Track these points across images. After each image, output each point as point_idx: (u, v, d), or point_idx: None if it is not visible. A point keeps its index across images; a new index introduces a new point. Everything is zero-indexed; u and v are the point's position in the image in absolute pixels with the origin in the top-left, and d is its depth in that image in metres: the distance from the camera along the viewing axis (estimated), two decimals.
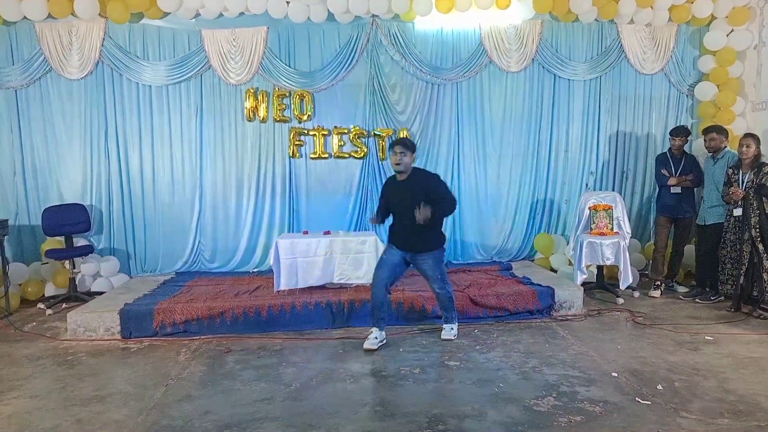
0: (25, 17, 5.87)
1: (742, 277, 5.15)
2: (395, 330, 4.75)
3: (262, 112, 6.42)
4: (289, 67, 6.40)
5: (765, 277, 4.99)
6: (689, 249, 6.12)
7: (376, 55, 6.48)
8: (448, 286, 4.50)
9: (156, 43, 6.28)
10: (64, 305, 5.74)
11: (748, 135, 5.31)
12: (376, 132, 6.54)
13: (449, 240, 6.77)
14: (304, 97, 6.44)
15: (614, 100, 6.80)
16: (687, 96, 6.86)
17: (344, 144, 6.58)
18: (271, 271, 5.55)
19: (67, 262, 5.89)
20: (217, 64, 6.28)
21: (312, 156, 6.55)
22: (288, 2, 6.00)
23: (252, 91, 6.38)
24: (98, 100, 6.26)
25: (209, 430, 3.09)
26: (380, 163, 6.58)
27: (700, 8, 6.39)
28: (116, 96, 6.29)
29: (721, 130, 5.68)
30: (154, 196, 6.47)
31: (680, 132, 5.92)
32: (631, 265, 5.69)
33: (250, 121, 6.45)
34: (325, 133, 6.54)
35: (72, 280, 5.87)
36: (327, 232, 5.71)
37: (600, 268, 5.87)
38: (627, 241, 5.71)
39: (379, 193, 4.72)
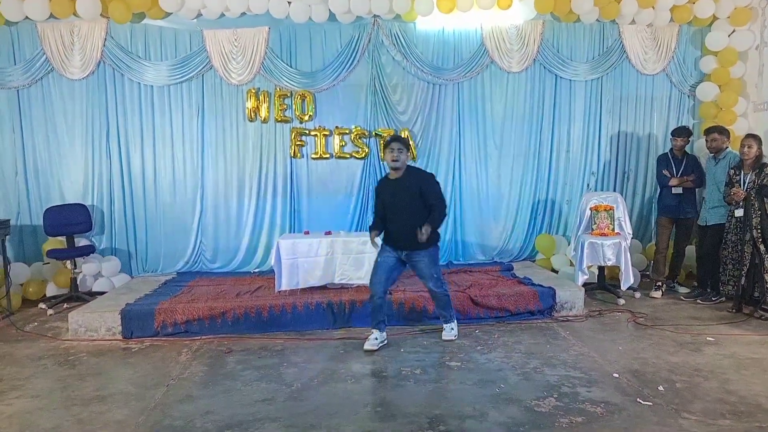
0: (27, 17, 5.87)
1: (743, 278, 5.14)
2: (396, 330, 4.75)
3: (263, 113, 6.42)
4: (291, 67, 6.41)
5: (766, 277, 4.98)
6: (690, 250, 6.11)
7: (378, 55, 6.49)
8: (444, 285, 4.48)
9: (157, 43, 6.28)
10: (65, 305, 5.75)
11: (749, 135, 5.31)
12: (377, 132, 6.54)
13: (450, 240, 6.81)
14: (306, 97, 6.44)
15: (615, 100, 6.80)
16: (688, 96, 6.85)
17: (345, 144, 6.58)
18: (272, 271, 5.55)
19: (68, 262, 5.90)
20: (219, 65, 6.29)
21: (313, 156, 6.55)
22: (289, 2, 6.00)
23: (253, 91, 6.39)
24: (100, 100, 6.27)
25: (210, 430, 3.10)
26: (381, 163, 6.58)
27: (701, 8, 6.38)
28: (118, 96, 6.30)
29: (723, 131, 5.68)
30: (156, 196, 6.48)
31: (682, 132, 5.91)
32: (632, 265, 5.69)
33: (251, 121, 6.46)
34: (327, 133, 6.54)
35: (73, 280, 5.88)
36: (328, 233, 5.71)
37: (601, 268, 5.86)
38: (628, 241, 5.70)
39: (374, 197, 4.65)
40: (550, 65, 6.63)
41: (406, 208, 4.17)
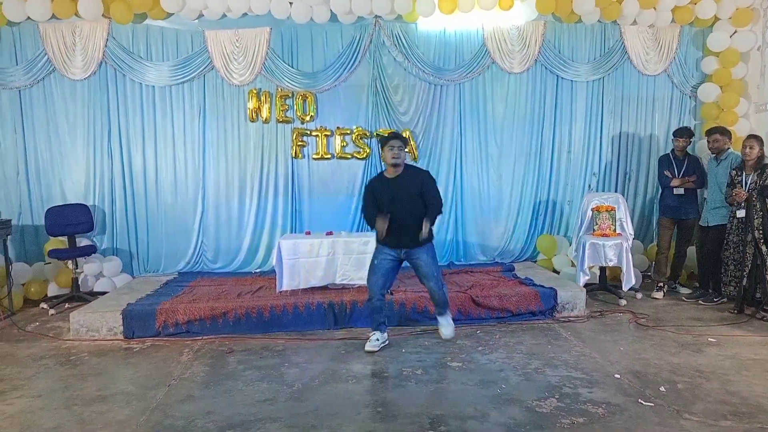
0: (28, 18, 5.87)
1: (745, 279, 5.14)
2: (397, 331, 4.75)
3: (264, 113, 6.42)
4: (292, 67, 6.41)
5: None
6: (692, 250, 6.11)
7: (379, 56, 6.49)
8: (444, 286, 4.45)
9: (159, 43, 6.29)
10: (66, 305, 5.75)
11: (751, 136, 5.31)
12: (378, 132, 6.54)
13: (452, 241, 6.83)
14: (307, 97, 6.44)
15: (617, 101, 6.79)
16: (690, 97, 6.85)
17: (347, 145, 6.58)
18: (273, 271, 5.55)
19: (70, 262, 5.91)
20: (220, 65, 6.29)
21: (314, 156, 6.55)
22: (291, 3, 6.00)
23: (255, 91, 6.39)
24: (101, 100, 6.27)
25: (211, 430, 3.10)
26: (383, 164, 6.56)
27: (703, 9, 6.38)
28: (119, 96, 6.30)
29: (725, 132, 5.67)
30: (157, 196, 6.48)
31: (683, 133, 5.91)
32: (633, 266, 5.68)
33: (252, 121, 6.46)
34: (328, 133, 6.54)
35: (75, 280, 5.89)
36: (329, 233, 5.71)
37: (603, 269, 5.86)
38: (630, 242, 5.70)
39: (365, 197, 4.43)
40: (551, 66, 6.63)
41: (406, 206, 4.16)
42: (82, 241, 6.16)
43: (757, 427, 3.03)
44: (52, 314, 5.54)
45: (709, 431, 2.99)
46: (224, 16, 6.15)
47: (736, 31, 6.47)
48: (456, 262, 6.75)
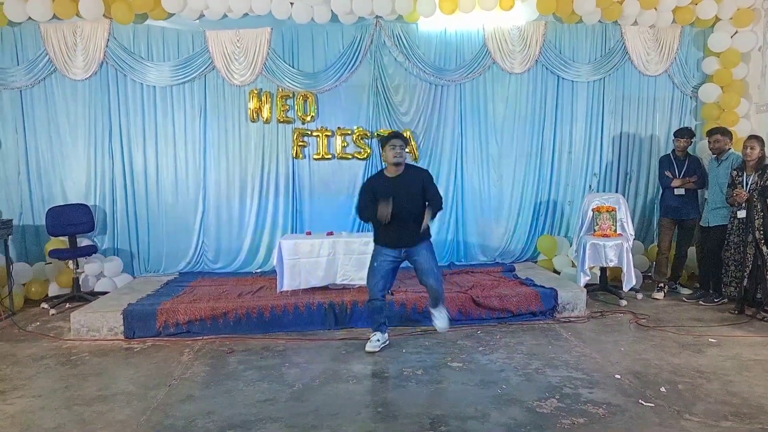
0: (30, 18, 5.88)
1: (745, 280, 5.13)
2: (397, 331, 4.75)
3: (265, 113, 6.42)
4: (293, 68, 6.41)
5: None
6: (692, 251, 6.10)
7: (380, 56, 6.49)
8: (443, 283, 4.43)
9: (160, 43, 6.29)
10: (67, 305, 5.75)
11: (752, 137, 5.30)
12: (379, 133, 6.54)
13: (452, 241, 6.83)
14: (308, 98, 6.45)
15: (618, 101, 6.79)
16: (691, 98, 6.85)
17: (347, 145, 6.58)
18: (274, 271, 5.56)
19: (70, 262, 5.91)
20: (221, 65, 6.30)
21: (315, 157, 6.55)
22: (292, 3, 6.01)
23: (256, 92, 6.39)
24: (102, 100, 6.27)
25: (212, 430, 3.10)
26: (383, 164, 6.57)
27: (704, 10, 6.38)
28: (120, 96, 6.30)
29: (726, 132, 5.67)
30: (158, 196, 6.48)
31: (684, 133, 5.91)
32: (634, 266, 5.67)
33: (253, 121, 6.46)
34: (329, 134, 6.54)
35: (75, 280, 5.89)
36: (330, 233, 5.71)
37: (603, 269, 5.86)
38: (630, 242, 5.69)
39: (362, 195, 4.37)
40: (552, 66, 6.63)
41: (406, 205, 4.16)
42: (83, 241, 6.16)
43: (758, 427, 3.03)
44: (52, 314, 5.54)
45: None
46: (225, 16, 6.16)
47: (737, 32, 6.47)
48: (456, 263, 6.74)
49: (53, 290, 6.12)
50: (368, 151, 6.56)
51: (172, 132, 6.42)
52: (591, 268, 5.69)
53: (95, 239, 6.37)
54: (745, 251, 5.12)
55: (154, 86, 6.33)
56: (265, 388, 3.66)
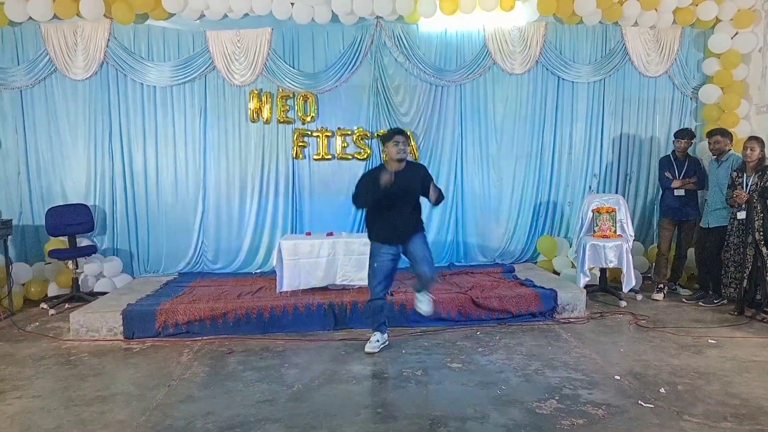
0: (30, 18, 5.89)
1: (745, 281, 5.13)
2: (397, 332, 4.75)
3: (265, 113, 6.42)
4: (293, 68, 6.41)
5: None
6: (692, 252, 6.10)
7: (380, 56, 6.49)
8: (435, 271, 4.39)
9: (160, 43, 6.29)
10: (66, 305, 5.75)
11: (752, 138, 5.30)
12: (379, 133, 6.54)
13: (452, 242, 6.84)
14: (308, 98, 6.45)
15: (618, 102, 6.79)
16: (691, 99, 6.85)
17: (348, 145, 6.58)
18: (273, 272, 5.55)
19: (70, 262, 5.91)
20: (222, 65, 6.30)
21: (315, 157, 6.55)
22: (292, 3, 6.01)
23: (256, 92, 6.39)
24: (103, 100, 6.27)
25: (211, 430, 3.10)
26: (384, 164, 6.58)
27: (704, 11, 6.38)
28: (120, 96, 6.30)
29: (726, 133, 5.67)
30: (158, 196, 6.48)
31: (684, 134, 5.91)
32: (634, 267, 5.68)
33: (253, 122, 6.46)
34: (329, 134, 6.54)
35: (75, 280, 5.89)
36: (330, 234, 5.71)
37: (603, 270, 5.86)
38: (630, 243, 5.70)
39: (362, 184, 4.34)
40: (552, 67, 6.63)
41: (405, 200, 4.20)
42: (83, 242, 6.16)
43: (758, 429, 3.03)
44: (52, 314, 5.54)
45: None
46: (225, 16, 6.16)
47: (737, 33, 6.47)
48: (456, 263, 6.74)
49: (53, 290, 6.12)
50: (368, 151, 6.56)
51: (172, 132, 6.42)
52: (591, 269, 5.69)
53: (95, 239, 6.37)
54: (745, 252, 5.12)
55: (155, 86, 6.33)
56: (264, 389, 3.66)
